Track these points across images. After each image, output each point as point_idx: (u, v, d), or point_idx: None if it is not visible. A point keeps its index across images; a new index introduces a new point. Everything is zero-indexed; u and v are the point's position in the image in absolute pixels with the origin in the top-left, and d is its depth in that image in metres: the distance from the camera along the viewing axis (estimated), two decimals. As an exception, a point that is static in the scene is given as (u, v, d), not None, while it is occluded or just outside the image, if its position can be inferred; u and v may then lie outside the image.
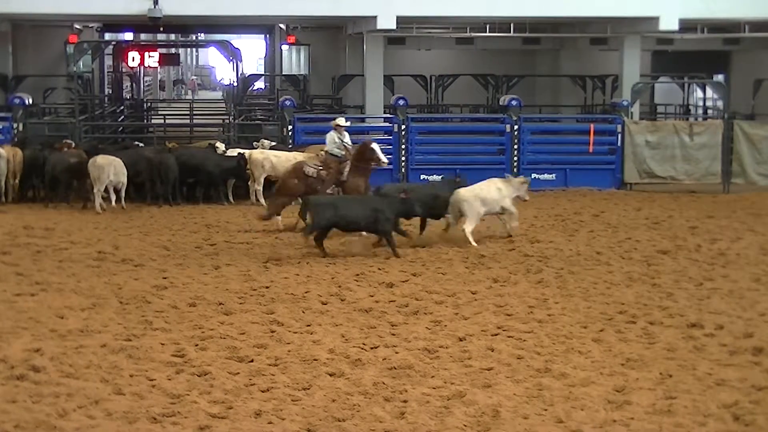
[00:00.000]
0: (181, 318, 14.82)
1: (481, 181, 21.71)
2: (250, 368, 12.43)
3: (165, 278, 17.34)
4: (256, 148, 26.92)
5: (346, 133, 22.78)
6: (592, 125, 30.49)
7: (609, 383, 11.90)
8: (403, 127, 29.28)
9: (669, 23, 29.65)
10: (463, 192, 20.92)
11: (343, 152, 22.44)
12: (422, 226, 21.27)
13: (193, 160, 26.43)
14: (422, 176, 28.81)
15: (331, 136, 22.63)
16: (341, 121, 22.96)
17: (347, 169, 22.18)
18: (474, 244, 20.36)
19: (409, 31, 32.71)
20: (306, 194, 21.82)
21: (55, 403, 11.06)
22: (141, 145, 28.19)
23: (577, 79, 39.19)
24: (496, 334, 14.07)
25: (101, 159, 24.76)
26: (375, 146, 22.28)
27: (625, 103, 30.54)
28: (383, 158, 22.40)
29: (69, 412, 10.80)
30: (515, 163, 29.28)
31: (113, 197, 24.86)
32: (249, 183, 26.25)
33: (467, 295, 16.33)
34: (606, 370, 12.44)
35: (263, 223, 22.28)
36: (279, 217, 22.36)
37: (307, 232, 19.76)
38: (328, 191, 22.05)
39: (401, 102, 29.97)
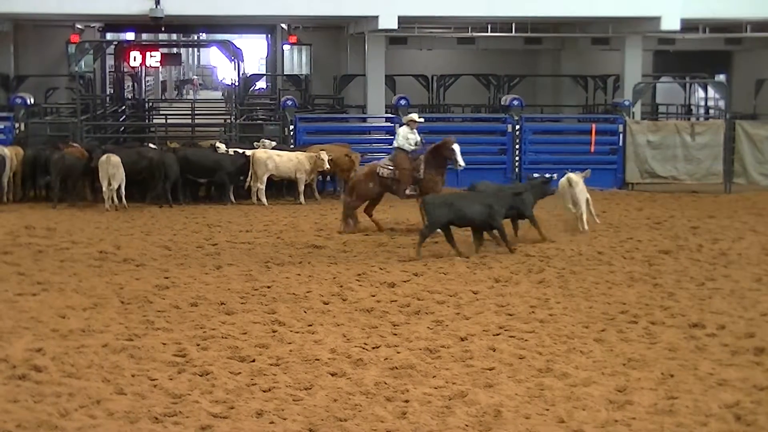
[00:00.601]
0: (182, 318, 14.83)
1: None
2: (251, 368, 12.43)
3: (167, 278, 17.35)
4: (257, 149, 26.92)
5: (416, 132, 22.68)
6: (593, 125, 30.50)
7: (610, 383, 11.90)
8: (405, 126, 29.26)
9: (671, 23, 29.63)
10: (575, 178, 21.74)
11: (414, 147, 22.37)
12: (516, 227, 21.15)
13: (208, 159, 26.36)
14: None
15: (404, 132, 22.55)
16: (414, 116, 22.85)
17: (422, 166, 22.12)
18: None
19: (411, 30, 32.72)
20: (380, 195, 22.19)
21: (56, 402, 11.07)
22: (151, 145, 28.14)
23: (578, 79, 39.17)
24: (497, 334, 14.07)
25: (113, 157, 24.79)
26: (456, 146, 22.11)
27: (626, 103, 30.55)
28: (461, 161, 22.13)
29: (70, 412, 10.81)
30: (517, 163, 29.29)
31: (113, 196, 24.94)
32: (251, 182, 26.23)
33: (469, 294, 16.33)
34: (607, 369, 12.44)
35: (347, 233, 22.13)
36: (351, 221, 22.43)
37: (425, 232, 19.58)
38: (408, 191, 21.95)
39: (403, 102, 29.98)
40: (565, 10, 30.08)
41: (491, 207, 19.58)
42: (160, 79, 65.51)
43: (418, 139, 22.57)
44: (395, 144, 22.56)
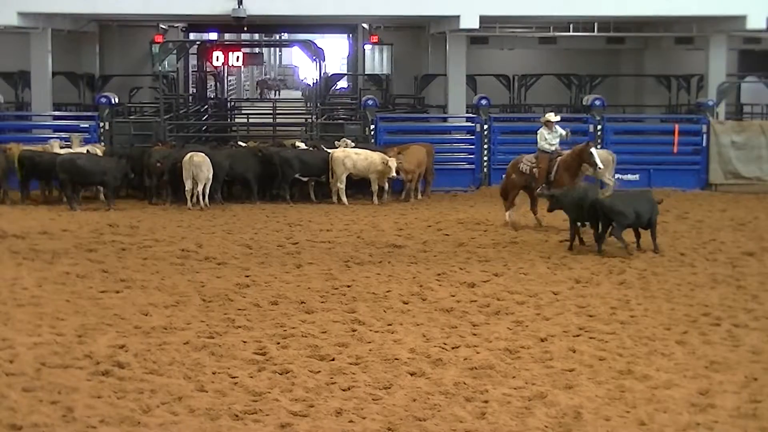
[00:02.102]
0: (263, 316, 14.92)
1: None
2: (331, 367, 12.48)
3: (247, 276, 17.46)
4: (337, 147, 26.96)
5: (558, 128, 22.68)
6: (676, 125, 30.22)
7: (692, 386, 11.78)
8: (486, 126, 29.24)
9: (756, 22, 29.21)
10: None
11: (554, 149, 22.43)
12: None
13: (314, 158, 26.45)
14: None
15: (541, 133, 22.61)
16: (551, 116, 22.84)
17: (555, 167, 22.16)
18: None
19: (492, 30, 32.60)
20: (529, 189, 22.48)
21: (138, 399, 11.21)
22: (243, 144, 28.34)
23: (661, 79, 38.79)
24: (577, 335, 13.99)
25: (196, 157, 25.01)
26: (594, 151, 22.11)
27: (710, 103, 30.20)
28: (600, 164, 22.17)
29: (152, 408, 10.94)
30: (598, 164, 29.04)
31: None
32: (330, 181, 26.29)
33: (549, 295, 16.25)
34: (689, 372, 12.32)
35: (514, 229, 22.34)
36: (509, 213, 22.80)
37: (617, 234, 19.45)
38: (539, 191, 21.88)
39: (483, 102, 29.89)
40: (649, 9, 29.76)
41: (654, 206, 19.56)
42: (253, 77, 65.81)
43: (563, 133, 22.73)
44: (539, 146, 22.71)
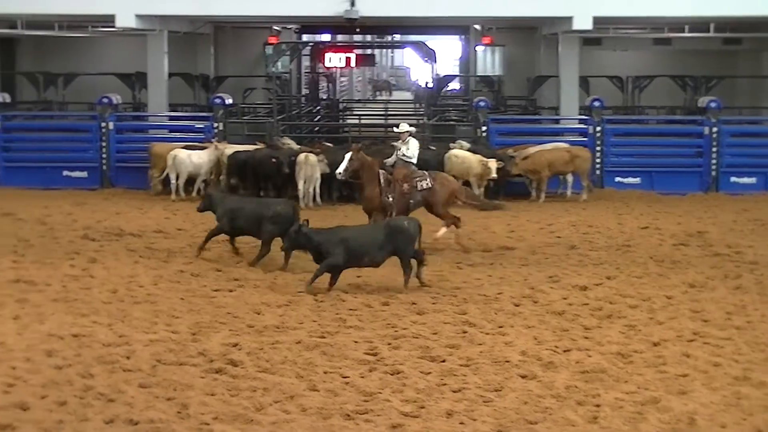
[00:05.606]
0: (374, 317, 14.98)
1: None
2: (441, 368, 12.48)
3: (359, 277, 17.51)
4: (452, 149, 26.88)
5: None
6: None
7: (812, 394, 11.56)
8: (599, 128, 28.99)
9: None
10: None
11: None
12: None
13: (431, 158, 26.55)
14: (617, 179, 28.49)
15: None
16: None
17: None
18: None
19: (606, 31, 32.30)
20: None
21: (251, 397, 11.34)
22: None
23: (780, 81, 38.09)
24: (692, 340, 13.81)
25: (311, 157, 25.20)
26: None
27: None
28: None
29: (265, 407, 11.05)
30: (714, 167, 28.63)
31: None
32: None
33: (662, 299, 16.06)
34: (808, 380, 12.08)
35: None
36: None
37: None
38: None
39: (596, 103, 29.63)
40: (767, 8, 29.21)
41: None
42: (371, 76, 65.94)
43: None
44: None
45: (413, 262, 16.75)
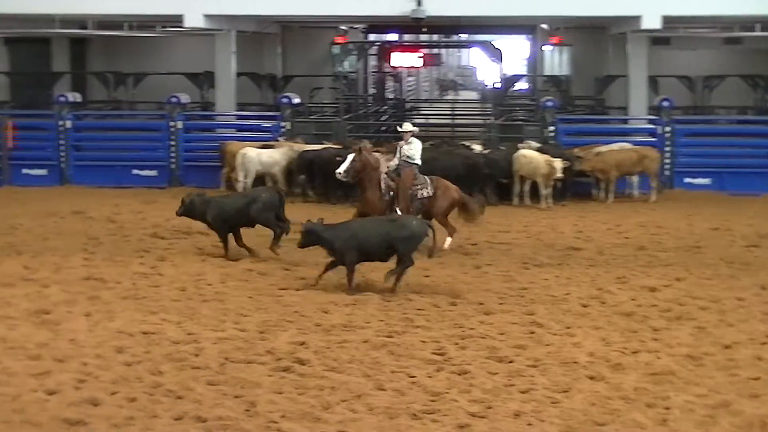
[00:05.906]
0: (441, 316, 14.96)
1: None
2: (509, 369, 12.45)
3: (426, 276, 17.51)
4: (520, 149, 26.78)
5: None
6: None
7: None
8: (668, 129, 28.73)
9: None
10: None
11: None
12: None
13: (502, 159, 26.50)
14: (686, 179, 28.24)
15: None
16: None
17: None
18: None
19: (675, 30, 32.02)
20: None
21: (319, 395, 11.37)
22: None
23: None
24: (764, 343, 13.65)
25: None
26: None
27: None
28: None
29: (332, 405, 11.08)
30: (786, 167, 28.28)
31: None
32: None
33: (733, 301, 15.88)
34: None
35: None
36: None
37: None
38: None
39: (666, 103, 29.37)
40: (840, 6, 28.80)
41: None
42: (421, 79, 65.99)
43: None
44: None
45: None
